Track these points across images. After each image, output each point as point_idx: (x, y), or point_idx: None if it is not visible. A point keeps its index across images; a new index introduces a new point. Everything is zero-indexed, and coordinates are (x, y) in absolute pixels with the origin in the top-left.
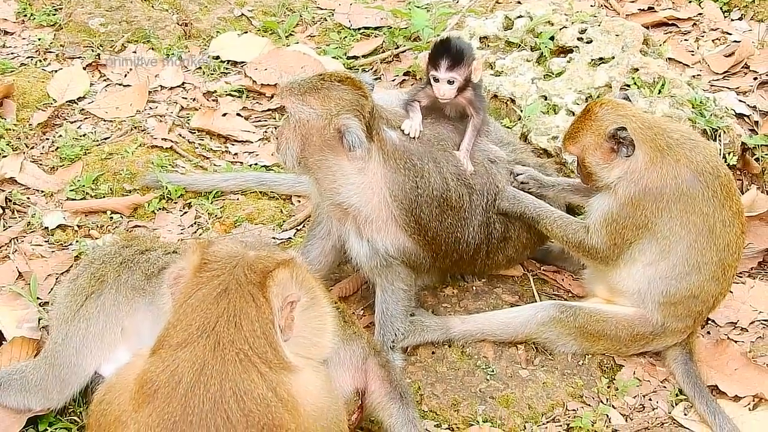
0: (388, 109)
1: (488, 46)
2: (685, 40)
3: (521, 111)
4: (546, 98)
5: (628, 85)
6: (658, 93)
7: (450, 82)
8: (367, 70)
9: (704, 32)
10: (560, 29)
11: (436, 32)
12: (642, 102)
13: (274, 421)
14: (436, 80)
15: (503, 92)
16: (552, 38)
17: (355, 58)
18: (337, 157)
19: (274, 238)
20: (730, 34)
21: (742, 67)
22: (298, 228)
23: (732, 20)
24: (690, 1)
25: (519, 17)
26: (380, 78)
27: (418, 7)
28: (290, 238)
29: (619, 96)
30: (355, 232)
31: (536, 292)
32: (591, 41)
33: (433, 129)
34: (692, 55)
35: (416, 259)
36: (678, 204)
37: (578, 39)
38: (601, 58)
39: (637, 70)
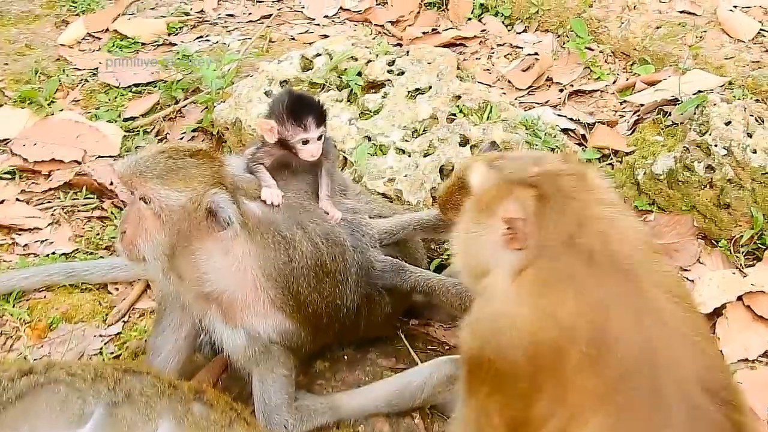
0: (239, 176)
1: None
2: (477, 59)
3: (347, 155)
4: (370, 138)
5: (455, 114)
6: (487, 119)
7: (319, 138)
8: (149, 130)
9: (493, 48)
10: (367, 63)
11: (226, 82)
12: (475, 130)
13: None
14: (306, 142)
15: None
16: (359, 74)
17: (133, 119)
18: (202, 240)
19: (100, 335)
20: (521, 47)
21: (546, 80)
22: (125, 320)
23: (517, 33)
24: (469, 19)
25: (317, 56)
26: (166, 138)
27: (187, 56)
28: (119, 332)
29: (487, 149)
30: (223, 320)
31: (411, 350)
32: (403, 72)
33: (288, 189)
34: (489, 73)
35: (298, 339)
36: None
37: (389, 72)
38: (417, 89)
39: (459, 97)
